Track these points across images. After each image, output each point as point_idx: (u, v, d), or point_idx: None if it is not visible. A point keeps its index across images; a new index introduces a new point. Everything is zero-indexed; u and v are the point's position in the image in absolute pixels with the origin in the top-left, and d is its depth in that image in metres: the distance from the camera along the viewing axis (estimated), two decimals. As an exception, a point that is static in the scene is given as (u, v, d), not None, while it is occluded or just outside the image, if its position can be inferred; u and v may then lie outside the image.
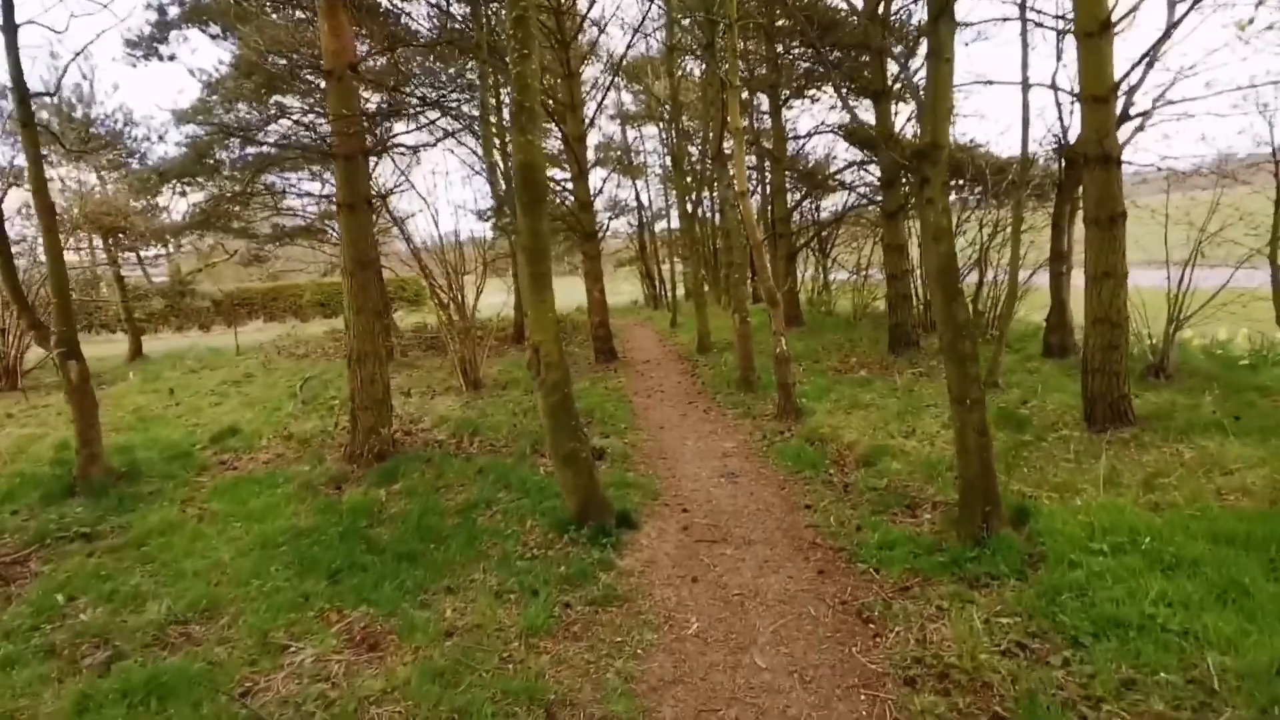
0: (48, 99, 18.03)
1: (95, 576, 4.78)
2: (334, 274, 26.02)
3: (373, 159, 18.68)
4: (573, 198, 14.89)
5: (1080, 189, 11.75)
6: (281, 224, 23.52)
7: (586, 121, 14.90)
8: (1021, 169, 9.21)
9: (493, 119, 9.14)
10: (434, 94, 10.77)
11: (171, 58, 14.64)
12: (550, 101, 14.30)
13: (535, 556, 4.91)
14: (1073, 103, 11.21)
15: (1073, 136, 11.94)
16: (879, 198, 16.40)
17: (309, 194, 18.32)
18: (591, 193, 15.46)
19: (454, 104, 14.61)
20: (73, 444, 8.46)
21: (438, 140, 12.49)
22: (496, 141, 10.62)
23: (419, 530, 5.40)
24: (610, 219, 30.76)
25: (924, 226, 4.67)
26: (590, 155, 27.74)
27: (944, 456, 6.63)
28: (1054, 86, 9.72)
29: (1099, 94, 7.11)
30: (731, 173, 10.50)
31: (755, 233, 8.68)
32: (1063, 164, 11.49)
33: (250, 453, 8.34)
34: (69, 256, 21.79)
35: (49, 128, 12.47)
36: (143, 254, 29.34)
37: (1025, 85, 8.70)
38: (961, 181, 16.49)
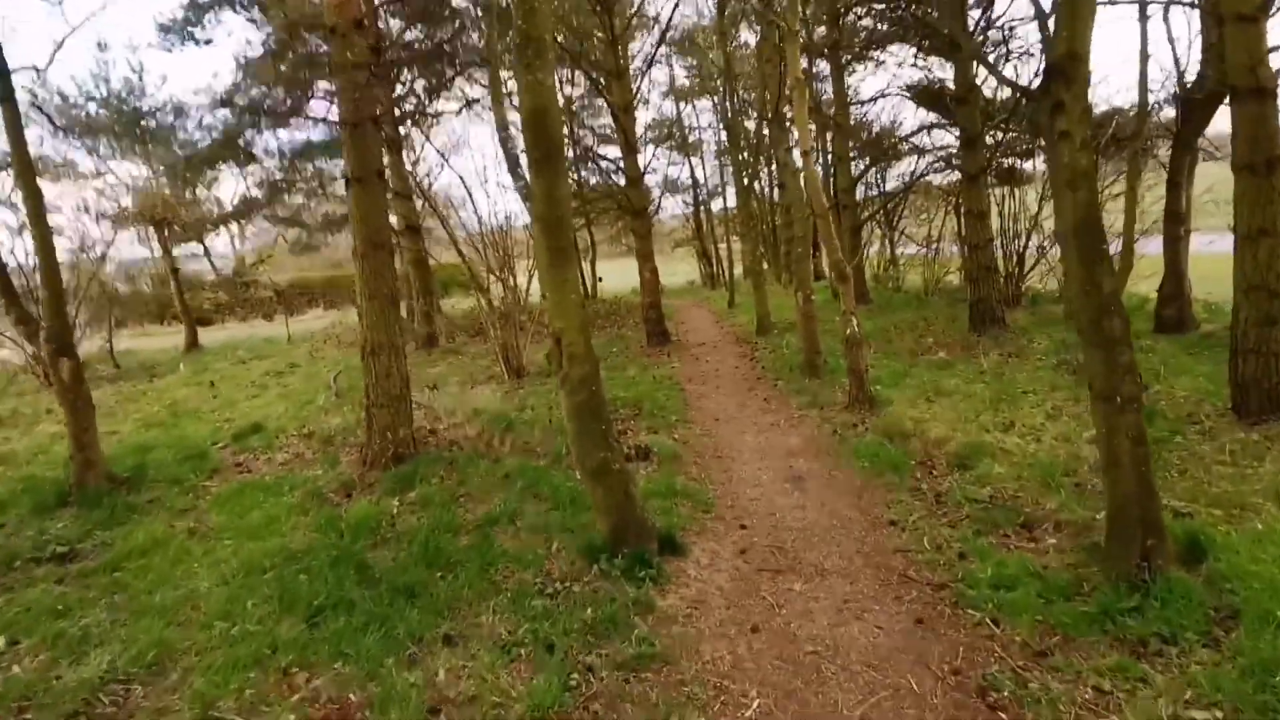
0: (94, 94, 18.03)
1: (51, 611, 4.11)
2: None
3: (413, 137, 18.08)
4: (621, 174, 13.92)
5: (1198, 139, 10.24)
6: (331, 211, 23.34)
7: (634, 90, 13.85)
8: (1140, 114, 7.79)
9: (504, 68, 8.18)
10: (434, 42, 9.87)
11: (208, 42, 14.19)
12: (594, 71, 13.33)
13: (558, 593, 4.01)
14: (1195, 36, 9.66)
15: (1190, 75, 10.36)
16: (956, 161, 14.93)
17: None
18: (641, 167, 14.47)
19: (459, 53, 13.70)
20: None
21: (461, 107, 11.67)
22: (508, 85, 9.63)
23: (425, 553, 4.57)
24: (661, 195, 29.56)
25: (1055, 168, 3.54)
26: (640, 131, 26.72)
27: (1057, 458, 5.47)
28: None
29: (1245, 11, 5.75)
30: (793, 134, 9.36)
31: (820, 199, 7.55)
32: (1181, 108, 9.93)
33: (269, 452, 7.72)
34: (132, 251, 21.96)
35: (41, 106, 12.10)
36: (205, 245, 29.80)
37: (1144, 5, 7.28)
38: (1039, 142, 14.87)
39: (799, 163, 9.11)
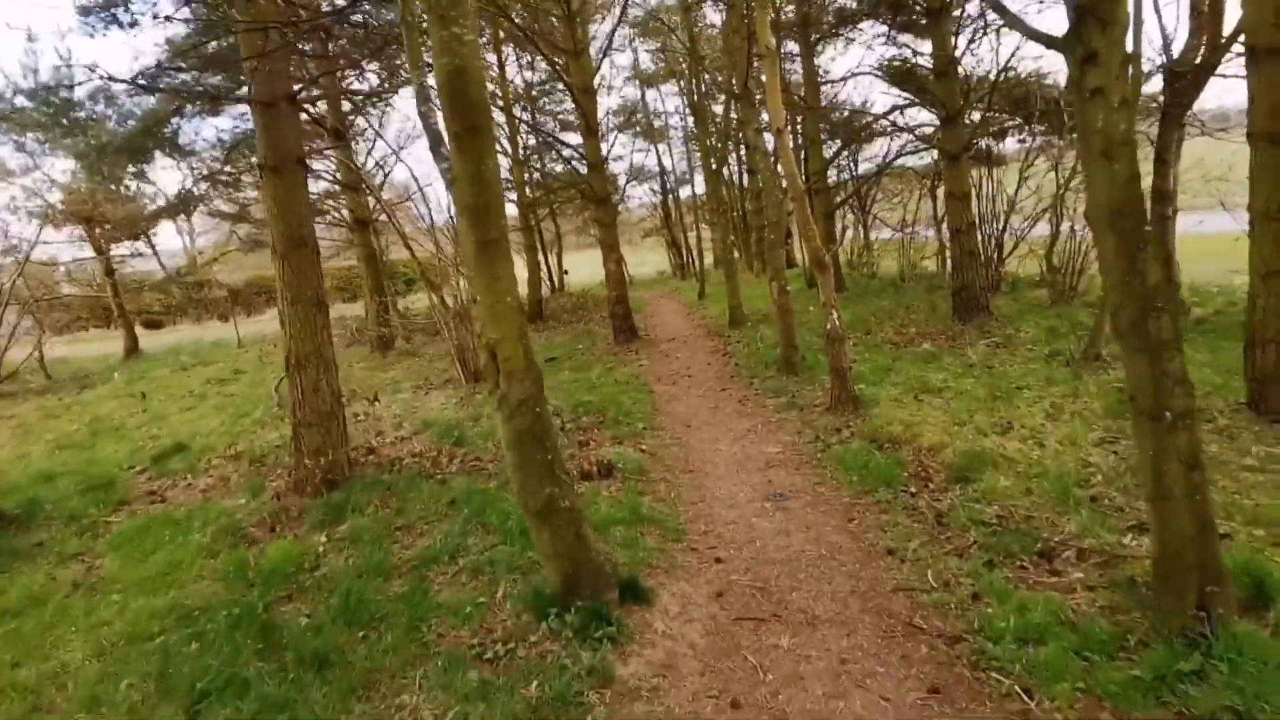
0: (20, 86, 16.73)
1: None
2: (339, 257, 24.75)
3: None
4: (583, 160, 13.16)
5: (1185, 114, 9.77)
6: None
7: (596, 71, 13.08)
8: (1135, 84, 7.21)
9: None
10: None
11: (133, 24, 13.09)
12: (550, 50, 12.54)
13: (498, 658, 3.33)
14: (1184, 3, 9.14)
15: (1177, 47, 9.89)
16: (935, 141, 14.40)
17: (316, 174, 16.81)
18: (604, 153, 13.73)
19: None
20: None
21: (398, 87, 10.84)
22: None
23: (346, 607, 3.85)
24: (627, 183, 28.78)
25: (1086, 135, 2.90)
26: (603, 116, 25.89)
27: (1066, 467, 4.90)
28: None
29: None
30: (763, 112, 8.70)
31: (796, 181, 6.90)
32: (1169, 80, 9.45)
33: (191, 476, 6.92)
34: (52, 251, 20.64)
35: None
36: (152, 244, 28.46)
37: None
38: (1017, 120, 14.39)
39: (771, 143, 8.46)
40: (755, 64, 8.39)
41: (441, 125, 3.42)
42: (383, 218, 20.21)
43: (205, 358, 17.49)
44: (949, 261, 17.11)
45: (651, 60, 32.34)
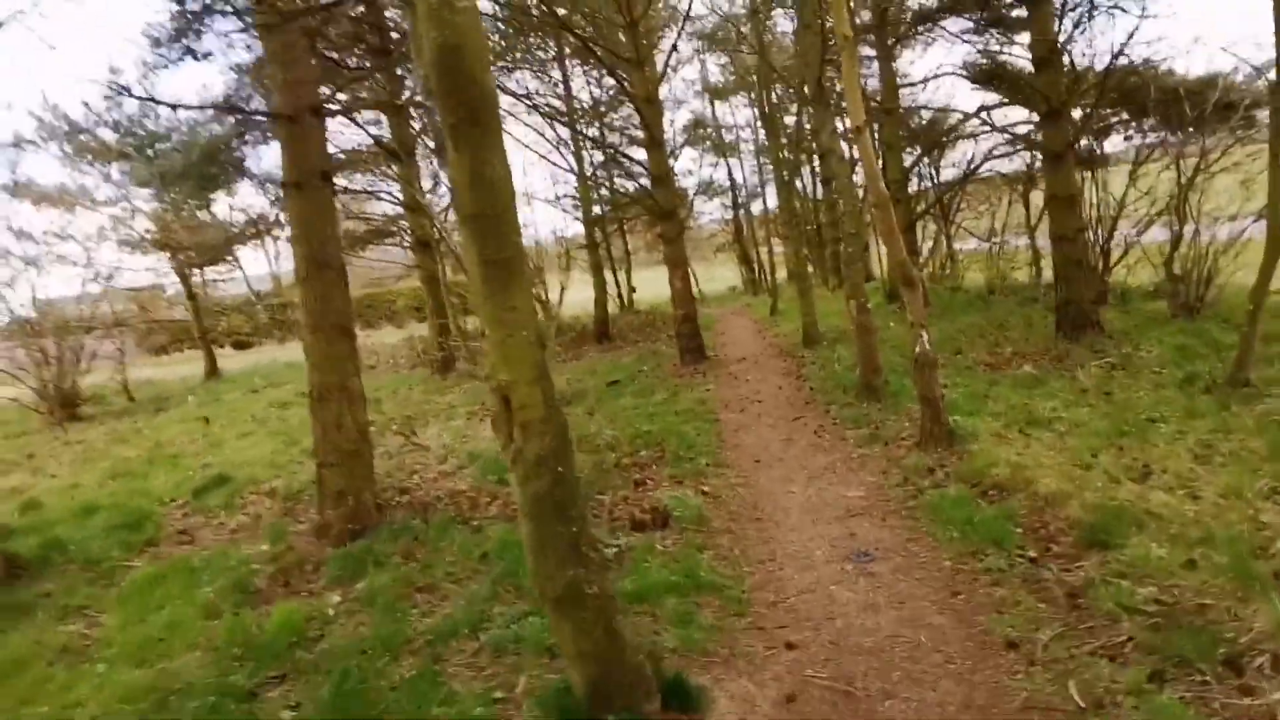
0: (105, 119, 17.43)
1: None
2: (413, 277, 24.92)
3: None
4: (647, 173, 12.56)
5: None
6: (353, 228, 22.54)
7: (660, 78, 12.49)
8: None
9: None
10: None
11: (207, 55, 13.29)
12: (609, 56, 12.02)
13: (506, 789, 2.63)
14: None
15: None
16: (1034, 138, 13.17)
17: (379, 195, 16.88)
18: (670, 165, 13.10)
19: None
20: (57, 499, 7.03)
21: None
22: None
23: (340, 695, 3.24)
24: (694, 196, 28.11)
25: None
26: (671, 130, 25.37)
27: (1237, 530, 3.87)
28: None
29: None
30: (838, 116, 7.86)
31: (878, 185, 6.04)
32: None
33: (227, 513, 6.54)
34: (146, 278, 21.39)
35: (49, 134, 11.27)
36: (241, 267, 29.61)
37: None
38: (1123, 115, 12.98)
39: (847, 149, 7.60)
40: (829, 62, 7.59)
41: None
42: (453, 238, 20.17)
43: (277, 379, 17.66)
44: (1044, 272, 15.75)
45: (721, 73, 31.85)
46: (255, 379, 17.68)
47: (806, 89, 8.45)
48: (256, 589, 4.65)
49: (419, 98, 12.37)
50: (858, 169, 12.40)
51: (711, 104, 31.71)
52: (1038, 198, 16.32)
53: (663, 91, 26.76)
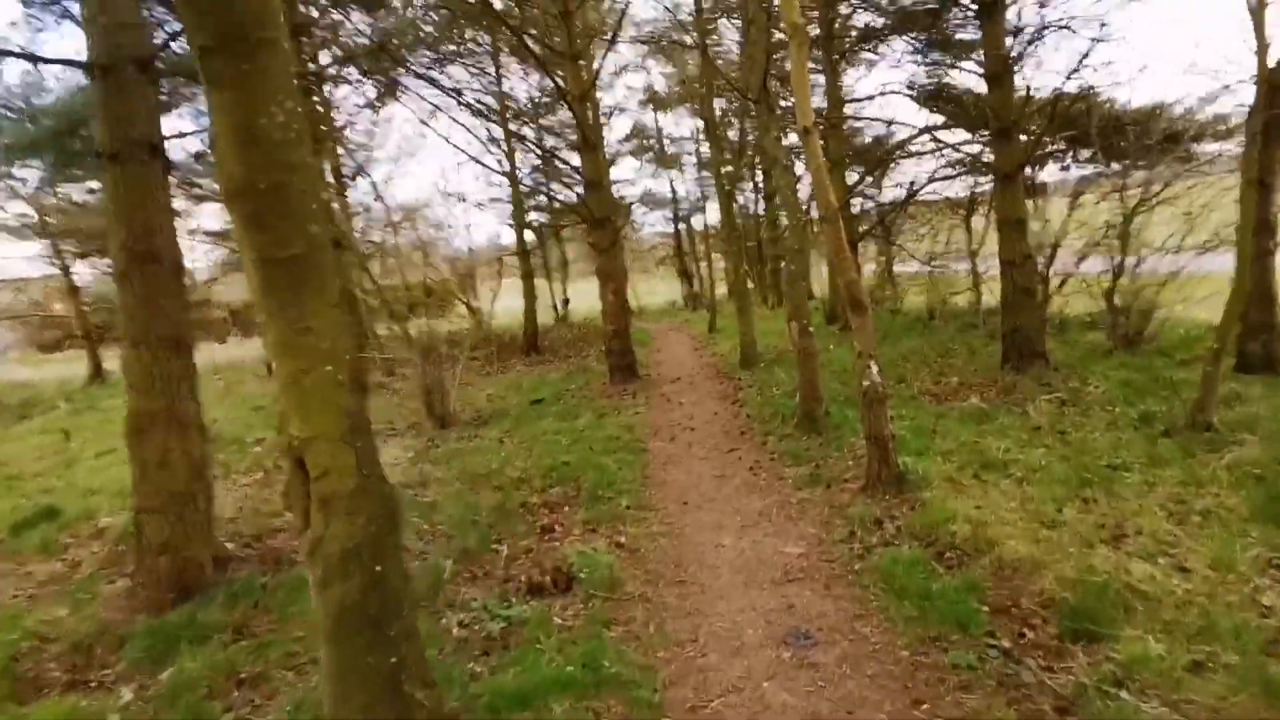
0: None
1: None
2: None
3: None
4: (579, 177, 11.75)
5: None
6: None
7: (595, 75, 11.70)
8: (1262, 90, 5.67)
9: None
10: None
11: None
12: (542, 49, 11.19)
13: None
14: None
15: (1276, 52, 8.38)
16: (985, 159, 12.87)
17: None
18: (604, 169, 12.30)
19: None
20: None
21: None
22: None
23: None
24: (631, 205, 27.48)
25: None
26: (610, 134, 24.63)
27: (1240, 618, 3.25)
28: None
29: None
30: (783, 125, 7.20)
31: (827, 194, 5.34)
32: (1269, 92, 7.90)
33: (43, 557, 5.38)
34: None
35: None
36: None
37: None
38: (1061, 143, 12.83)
39: (794, 154, 6.91)
40: (775, 61, 6.90)
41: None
42: (368, 238, 18.97)
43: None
44: (984, 298, 15.56)
45: (666, 83, 31.38)
46: (145, 384, 16.04)
47: (750, 91, 7.76)
48: (30, 676, 3.58)
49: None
50: (802, 181, 11.86)
51: (655, 115, 31.23)
52: (979, 222, 16.20)
53: (605, 100, 26.17)
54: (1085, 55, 8.53)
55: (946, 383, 9.18)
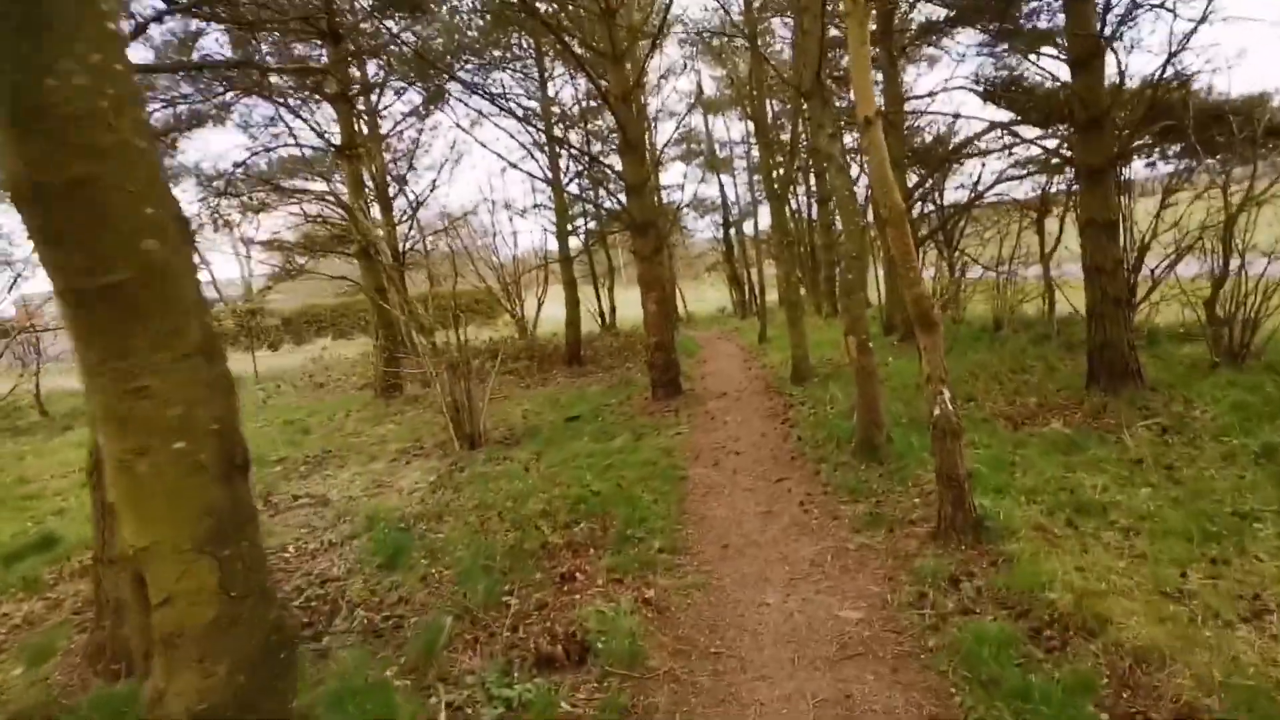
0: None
1: None
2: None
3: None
4: (621, 182, 11.16)
5: None
6: (313, 232, 21.01)
7: (639, 75, 11.10)
8: None
9: None
10: None
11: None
12: (585, 49, 10.64)
13: None
14: None
15: None
16: (1065, 153, 11.85)
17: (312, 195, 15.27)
18: (648, 172, 11.68)
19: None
20: None
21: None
22: None
23: None
24: (677, 210, 26.80)
25: None
26: (654, 135, 24.04)
27: None
28: None
29: None
30: (836, 118, 6.46)
31: (893, 194, 4.58)
32: None
33: (25, 596, 4.99)
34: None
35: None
36: (210, 271, 28.06)
37: None
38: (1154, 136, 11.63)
39: (849, 155, 6.14)
40: (830, 50, 6.15)
41: None
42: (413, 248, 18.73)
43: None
44: (1057, 307, 14.38)
45: (715, 86, 30.72)
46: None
47: (803, 82, 7.02)
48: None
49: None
50: (859, 182, 11.00)
51: (705, 118, 30.57)
52: (1052, 225, 15.03)
53: (653, 105, 25.63)
54: (1188, 36, 7.53)
55: (1023, 403, 8.24)
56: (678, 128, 22.84)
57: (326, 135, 12.61)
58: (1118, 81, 7.67)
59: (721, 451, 7.90)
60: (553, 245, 25.47)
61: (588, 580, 4.60)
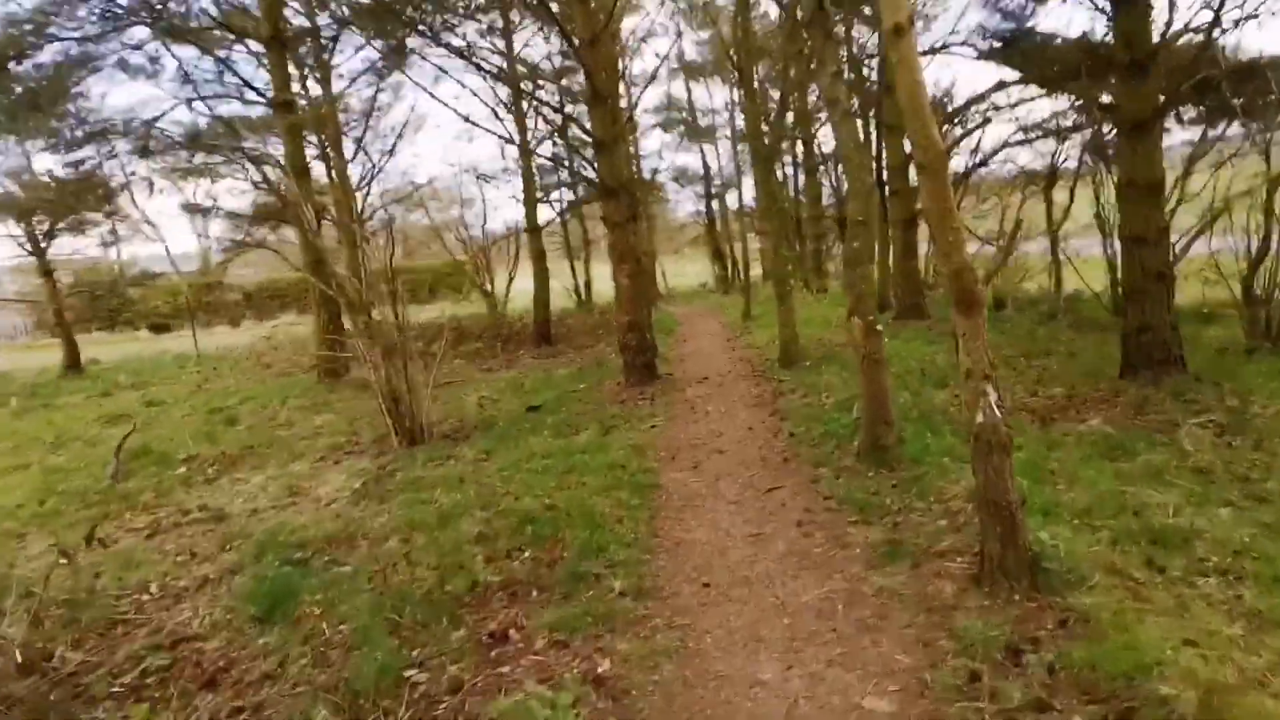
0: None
1: None
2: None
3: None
4: (589, 138, 9.88)
5: None
6: (269, 201, 19.52)
7: (610, 16, 9.77)
8: None
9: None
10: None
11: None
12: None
13: None
14: None
15: None
16: (1104, 101, 10.75)
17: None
18: (619, 131, 10.41)
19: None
20: None
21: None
22: None
23: None
24: (654, 175, 25.53)
25: None
26: (629, 97, 22.71)
27: None
28: None
29: None
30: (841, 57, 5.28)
31: (930, 130, 3.41)
32: None
33: None
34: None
35: None
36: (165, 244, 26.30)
37: None
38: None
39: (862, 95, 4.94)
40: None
41: None
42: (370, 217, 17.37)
43: (150, 376, 14.69)
44: (1064, 284, 13.35)
45: (699, 53, 29.28)
46: (121, 376, 14.65)
47: (800, 10, 5.79)
48: None
49: None
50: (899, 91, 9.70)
51: (688, 85, 29.15)
52: (1060, 196, 13.99)
53: (634, 68, 24.22)
54: None
55: (1047, 394, 7.20)
56: (651, 78, 21.16)
57: (258, 87, 11.16)
58: (1168, 20, 6.51)
59: (702, 450, 6.78)
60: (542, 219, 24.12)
61: (523, 644, 3.46)
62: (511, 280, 21.89)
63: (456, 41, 13.72)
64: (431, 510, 5.21)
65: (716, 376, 10.46)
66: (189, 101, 11.23)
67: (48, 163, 15.05)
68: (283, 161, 11.55)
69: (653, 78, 21.96)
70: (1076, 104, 12.49)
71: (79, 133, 11.24)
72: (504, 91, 14.79)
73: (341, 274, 7.87)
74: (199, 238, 35.07)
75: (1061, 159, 13.28)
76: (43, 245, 15.52)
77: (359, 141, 18.22)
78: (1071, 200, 13.07)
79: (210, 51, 10.84)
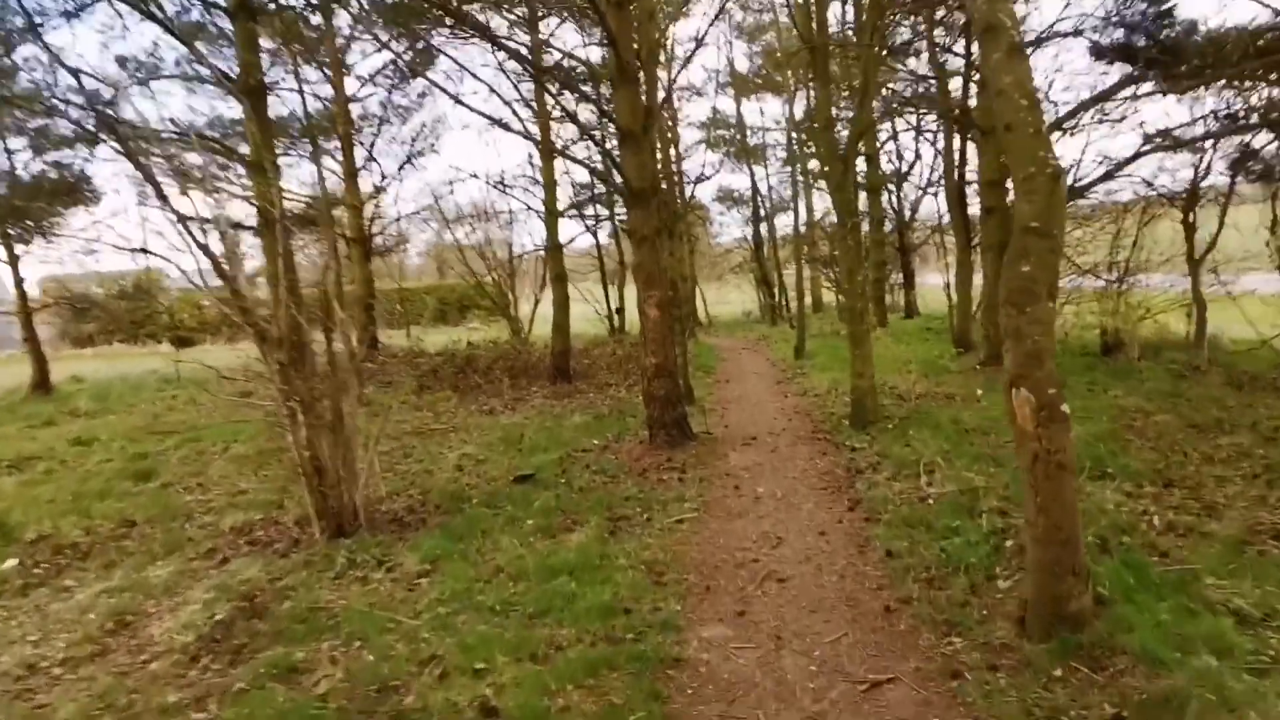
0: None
1: None
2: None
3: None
4: (612, 125, 7.74)
5: None
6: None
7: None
8: None
9: None
10: None
11: None
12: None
13: None
14: None
15: None
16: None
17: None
18: (652, 121, 8.26)
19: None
20: None
21: None
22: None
23: None
24: (695, 183, 23.32)
25: None
26: (684, 122, 20.70)
27: None
28: None
29: None
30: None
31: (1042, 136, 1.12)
32: None
33: None
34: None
35: None
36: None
37: None
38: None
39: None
40: None
41: None
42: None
43: (119, 401, 12.91)
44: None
45: (750, 65, 27.36)
46: (84, 400, 12.87)
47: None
48: None
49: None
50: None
51: (738, 101, 27.12)
52: (1198, 219, 11.34)
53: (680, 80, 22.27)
54: None
55: (1223, 496, 4.70)
56: (696, 46, 18.89)
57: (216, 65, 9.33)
58: None
59: (751, 576, 4.44)
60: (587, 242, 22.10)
61: None
62: (537, 303, 19.89)
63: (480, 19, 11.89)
64: (304, 694, 2.98)
65: (768, 436, 8.10)
66: (145, 82, 9.47)
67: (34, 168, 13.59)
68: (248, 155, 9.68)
69: (698, 45, 19.67)
70: (1227, 110, 10.01)
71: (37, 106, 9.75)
72: (526, 88, 12.83)
73: (250, 292, 5.81)
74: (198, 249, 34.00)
75: (1203, 175, 10.66)
76: (16, 254, 13.99)
77: (370, 150, 16.56)
78: (1221, 225, 10.45)
79: (170, 28, 9.03)
